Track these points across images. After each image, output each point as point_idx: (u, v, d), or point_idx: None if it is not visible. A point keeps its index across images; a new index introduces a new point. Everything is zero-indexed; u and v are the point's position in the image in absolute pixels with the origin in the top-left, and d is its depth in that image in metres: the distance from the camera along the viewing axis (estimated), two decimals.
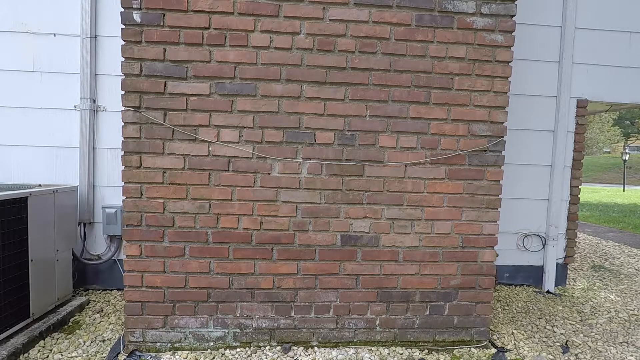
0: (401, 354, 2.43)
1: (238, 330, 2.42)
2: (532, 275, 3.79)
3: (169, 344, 2.38)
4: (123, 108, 2.23)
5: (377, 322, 2.50)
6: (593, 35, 3.61)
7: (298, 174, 2.35)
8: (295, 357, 2.35)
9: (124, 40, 2.19)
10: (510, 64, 2.39)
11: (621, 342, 2.74)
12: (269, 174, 2.34)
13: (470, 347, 2.53)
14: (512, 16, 2.36)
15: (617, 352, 2.59)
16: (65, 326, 2.68)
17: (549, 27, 3.57)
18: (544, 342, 2.69)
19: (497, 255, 2.98)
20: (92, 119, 3.18)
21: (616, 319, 3.15)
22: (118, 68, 2.25)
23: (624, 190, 21.82)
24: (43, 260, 2.62)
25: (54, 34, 3.14)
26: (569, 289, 3.83)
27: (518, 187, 3.66)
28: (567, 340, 2.71)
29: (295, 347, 2.43)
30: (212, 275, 2.37)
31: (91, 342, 2.48)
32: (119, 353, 2.33)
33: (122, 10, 2.18)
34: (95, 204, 3.28)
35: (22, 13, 3.12)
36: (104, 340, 2.49)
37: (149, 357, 2.31)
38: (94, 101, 3.18)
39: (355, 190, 2.40)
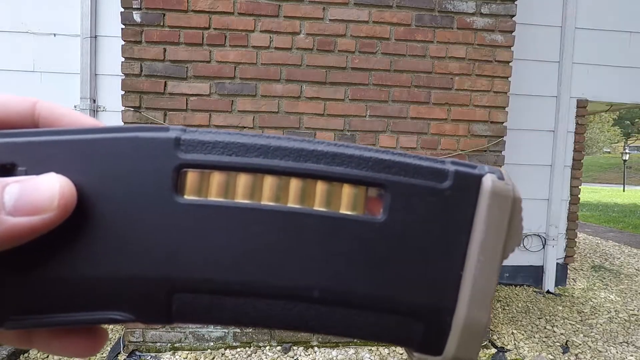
0: (401, 354, 2.43)
1: (238, 330, 2.42)
2: (532, 275, 3.79)
3: (169, 344, 2.38)
4: (123, 108, 2.23)
5: None
6: (593, 35, 3.61)
7: None
8: (295, 357, 2.35)
9: (124, 40, 2.19)
10: (510, 64, 2.39)
11: (621, 342, 2.74)
12: None
13: None
14: (512, 16, 2.36)
15: (617, 352, 2.59)
16: None
17: (549, 27, 3.57)
18: (544, 342, 2.69)
19: None
20: None
21: (616, 319, 3.15)
22: (118, 68, 2.25)
23: (624, 190, 21.84)
24: None
25: (54, 34, 3.14)
26: (569, 289, 3.83)
27: (518, 187, 3.65)
28: (567, 340, 2.72)
29: (295, 347, 2.43)
30: None
31: None
32: (118, 353, 2.33)
33: (122, 10, 2.18)
34: None
35: (22, 13, 3.12)
36: None
37: (149, 357, 2.31)
38: (94, 101, 3.18)
39: None
